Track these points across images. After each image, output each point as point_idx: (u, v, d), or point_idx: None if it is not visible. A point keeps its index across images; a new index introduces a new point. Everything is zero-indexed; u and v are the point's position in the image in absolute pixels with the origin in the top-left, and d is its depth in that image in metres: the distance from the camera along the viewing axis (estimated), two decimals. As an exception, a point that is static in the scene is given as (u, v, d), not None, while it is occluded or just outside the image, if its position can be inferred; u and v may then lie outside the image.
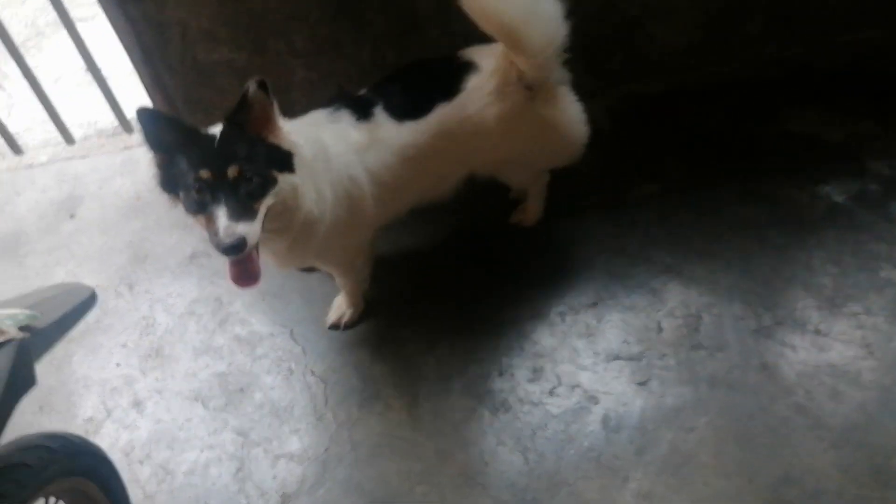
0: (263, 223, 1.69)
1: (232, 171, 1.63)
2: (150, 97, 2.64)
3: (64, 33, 2.93)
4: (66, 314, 1.31)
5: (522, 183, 2.42)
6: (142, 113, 1.64)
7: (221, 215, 1.60)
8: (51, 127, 3.24)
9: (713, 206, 2.48)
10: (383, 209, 2.11)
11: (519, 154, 2.20)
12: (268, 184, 1.69)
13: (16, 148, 3.29)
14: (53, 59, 3.82)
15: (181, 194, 1.69)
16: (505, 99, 2.02)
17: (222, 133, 1.68)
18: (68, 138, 3.28)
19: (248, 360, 2.34)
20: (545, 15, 1.85)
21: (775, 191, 2.48)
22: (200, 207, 1.65)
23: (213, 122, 1.73)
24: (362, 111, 2.01)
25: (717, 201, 2.49)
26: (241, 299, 2.50)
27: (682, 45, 2.69)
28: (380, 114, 2.02)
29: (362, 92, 2.09)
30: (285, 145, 1.76)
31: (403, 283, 2.48)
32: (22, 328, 1.17)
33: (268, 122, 1.72)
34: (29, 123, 3.51)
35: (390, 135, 2.01)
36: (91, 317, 2.52)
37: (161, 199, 1.79)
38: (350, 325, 2.37)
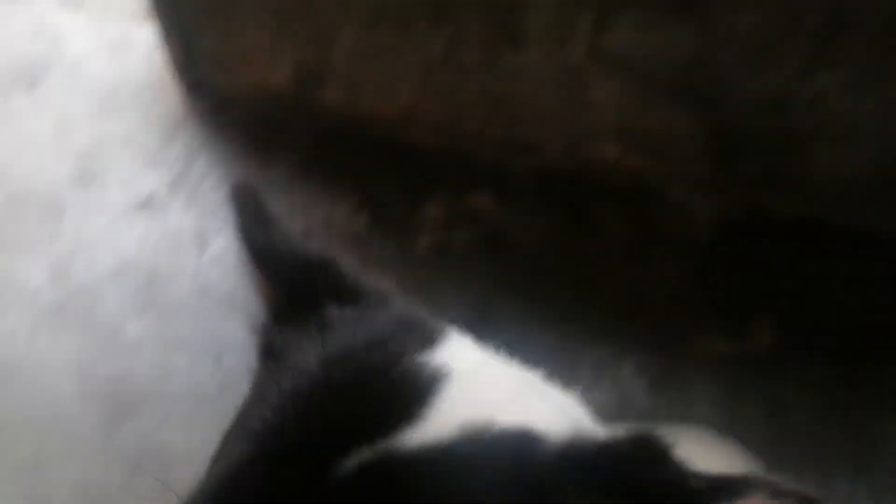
0: None
1: None
2: None
3: None
4: None
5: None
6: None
7: None
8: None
9: (794, 406, 1.83)
10: None
11: None
12: None
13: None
14: None
15: None
16: None
17: None
18: (72, -22, 2.64)
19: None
20: None
21: (883, 424, 1.84)
22: None
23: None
24: None
25: (801, 402, 1.84)
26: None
27: (846, 176, 1.96)
28: None
29: None
30: None
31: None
32: None
33: None
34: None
35: None
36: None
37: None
38: None
